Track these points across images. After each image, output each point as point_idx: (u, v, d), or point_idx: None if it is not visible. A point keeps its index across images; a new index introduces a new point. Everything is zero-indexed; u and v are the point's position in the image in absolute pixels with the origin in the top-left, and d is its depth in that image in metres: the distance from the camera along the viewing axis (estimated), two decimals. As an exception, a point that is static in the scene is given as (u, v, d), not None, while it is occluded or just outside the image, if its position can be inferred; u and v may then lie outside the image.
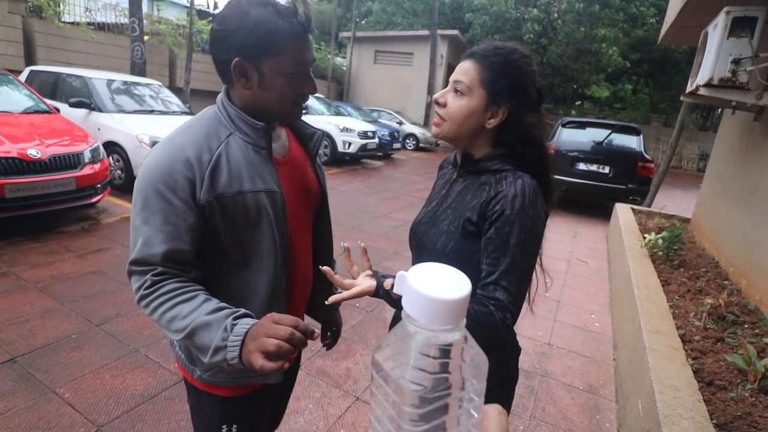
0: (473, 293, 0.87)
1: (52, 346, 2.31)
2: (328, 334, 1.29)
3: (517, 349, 1.05)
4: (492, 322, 0.82)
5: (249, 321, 0.77)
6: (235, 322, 0.77)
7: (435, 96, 0.95)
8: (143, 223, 0.81)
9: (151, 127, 5.33)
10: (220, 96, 0.91)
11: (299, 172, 1.00)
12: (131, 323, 2.60)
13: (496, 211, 0.86)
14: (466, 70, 0.91)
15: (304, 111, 0.96)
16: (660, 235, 3.64)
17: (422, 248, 0.99)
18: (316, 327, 1.24)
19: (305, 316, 1.19)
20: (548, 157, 0.96)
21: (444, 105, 0.93)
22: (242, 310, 0.80)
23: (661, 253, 3.58)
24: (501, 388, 1.00)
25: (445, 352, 0.34)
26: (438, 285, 0.36)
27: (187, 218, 0.81)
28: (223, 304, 0.81)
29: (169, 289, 0.81)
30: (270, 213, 0.88)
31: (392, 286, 0.84)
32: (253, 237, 0.89)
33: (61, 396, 1.96)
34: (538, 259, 0.94)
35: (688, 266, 3.43)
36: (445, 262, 0.87)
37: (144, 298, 0.82)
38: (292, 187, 0.95)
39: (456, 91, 0.91)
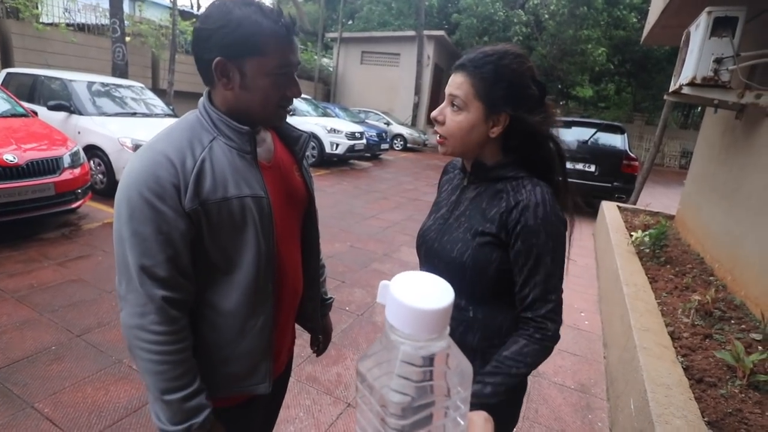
0: (491, 310, 0.89)
1: (30, 358, 2.22)
2: (319, 339, 1.26)
3: None
4: (542, 348, 0.85)
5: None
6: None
7: (433, 114, 0.91)
8: (133, 235, 0.77)
9: (134, 130, 5.21)
10: (202, 100, 0.88)
11: (285, 176, 0.97)
12: (113, 333, 2.52)
13: (519, 222, 0.84)
14: (459, 83, 0.87)
15: (290, 113, 0.94)
16: (646, 233, 3.68)
17: (434, 256, 0.96)
18: (305, 334, 1.22)
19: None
20: (562, 152, 0.91)
21: (443, 122, 0.90)
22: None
23: (647, 251, 3.62)
24: (513, 396, 0.96)
25: (429, 360, 0.34)
26: (420, 295, 0.35)
27: (178, 225, 0.78)
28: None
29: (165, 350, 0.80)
30: (256, 219, 0.85)
31: None
32: (237, 244, 0.85)
33: (40, 411, 1.88)
34: None
35: (674, 263, 3.48)
36: (461, 270, 0.89)
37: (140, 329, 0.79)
38: (279, 192, 0.92)
39: (453, 105, 0.88)
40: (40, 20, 8.98)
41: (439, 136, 0.92)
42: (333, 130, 9.26)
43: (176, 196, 0.78)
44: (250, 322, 0.90)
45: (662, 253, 3.60)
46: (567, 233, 0.90)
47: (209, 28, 0.79)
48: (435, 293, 0.36)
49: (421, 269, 1.01)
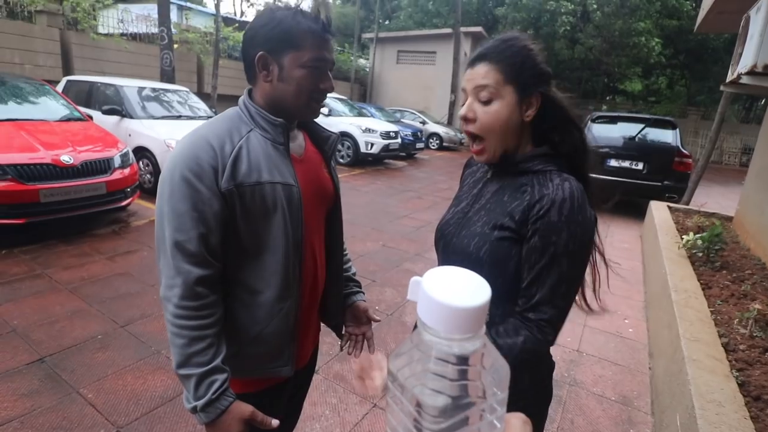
0: (511, 310, 0.83)
1: (78, 346, 2.37)
2: (345, 336, 1.24)
3: (551, 365, 0.97)
4: (530, 349, 0.77)
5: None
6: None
7: (462, 112, 0.85)
8: (171, 211, 0.84)
9: (179, 132, 5.46)
10: (242, 97, 0.96)
11: (315, 171, 1.03)
12: (154, 324, 2.64)
13: (541, 217, 0.78)
14: (484, 73, 0.82)
15: (324, 111, 0.97)
16: (699, 235, 3.41)
17: (451, 251, 0.92)
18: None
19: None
20: (585, 139, 0.87)
21: (474, 119, 0.84)
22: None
23: (700, 254, 3.35)
24: (536, 406, 0.92)
25: (464, 359, 0.33)
26: (455, 291, 0.33)
27: (212, 205, 0.85)
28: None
29: (194, 324, 0.84)
30: (284, 205, 0.91)
31: None
32: (267, 228, 0.91)
33: (84, 396, 2.00)
34: (598, 257, 0.90)
35: (731, 268, 3.20)
36: (478, 267, 0.83)
37: (180, 307, 0.84)
38: (308, 184, 0.97)
39: (480, 99, 0.83)
40: (97, 31, 9.64)
41: (474, 144, 0.86)
42: (368, 130, 9.28)
43: (213, 177, 0.84)
44: (279, 304, 0.94)
45: (717, 258, 3.32)
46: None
47: (255, 27, 0.90)
48: (470, 290, 0.34)
49: (439, 265, 0.97)
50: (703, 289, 2.71)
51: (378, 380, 0.77)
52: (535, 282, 0.79)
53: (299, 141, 1.02)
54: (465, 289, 0.34)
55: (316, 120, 1.06)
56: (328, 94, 0.97)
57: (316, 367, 2.29)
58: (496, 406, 0.34)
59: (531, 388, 0.89)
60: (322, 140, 1.08)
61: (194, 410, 0.82)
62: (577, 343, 2.87)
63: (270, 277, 0.93)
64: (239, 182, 0.86)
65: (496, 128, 0.83)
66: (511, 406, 0.80)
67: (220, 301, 0.90)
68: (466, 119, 0.85)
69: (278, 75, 0.89)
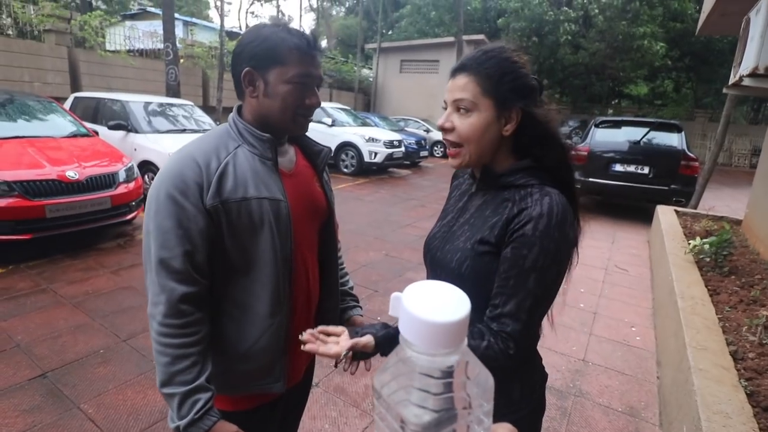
0: (480, 318, 0.81)
1: (80, 361, 2.38)
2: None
3: (543, 376, 0.96)
4: (490, 356, 0.76)
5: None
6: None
7: (439, 122, 0.86)
8: (156, 228, 0.84)
9: (183, 145, 5.53)
10: (232, 114, 0.97)
11: (306, 185, 1.03)
12: (156, 338, 2.64)
13: (516, 231, 0.78)
14: (463, 85, 0.82)
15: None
16: (706, 240, 3.35)
17: (436, 265, 0.92)
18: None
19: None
20: (568, 153, 0.87)
21: (452, 129, 0.85)
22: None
23: (708, 259, 3.29)
24: (528, 418, 0.91)
25: (448, 373, 0.33)
26: (434, 307, 0.33)
27: (198, 222, 0.85)
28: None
29: (179, 342, 0.84)
30: (272, 221, 0.90)
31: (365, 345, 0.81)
32: (255, 244, 0.90)
33: (84, 412, 2.00)
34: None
35: (740, 273, 3.13)
36: (460, 281, 0.83)
37: (164, 325, 0.84)
38: (298, 199, 0.97)
39: (459, 110, 0.83)
40: (105, 48, 9.83)
41: (450, 147, 0.86)
42: (371, 139, 9.31)
43: (198, 193, 0.85)
44: (269, 320, 0.94)
45: (726, 263, 3.25)
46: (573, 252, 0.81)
47: (242, 43, 0.91)
48: (450, 304, 0.34)
49: (427, 279, 0.96)
50: (710, 296, 2.65)
51: (334, 348, 0.81)
52: (501, 293, 0.78)
53: (290, 156, 1.02)
54: (444, 304, 0.34)
55: (308, 134, 1.05)
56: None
57: (317, 381, 2.28)
58: (483, 417, 0.34)
59: (523, 399, 0.88)
60: (314, 154, 1.08)
61: (177, 430, 0.81)
62: (582, 352, 2.81)
63: (259, 292, 0.92)
64: (225, 198, 0.86)
65: (472, 139, 0.83)
66: (503, 419, 0.79)
67: (206, 318, 0.89)
68: (444, 129, 0.86)
69: (264, 90, 0.90)
